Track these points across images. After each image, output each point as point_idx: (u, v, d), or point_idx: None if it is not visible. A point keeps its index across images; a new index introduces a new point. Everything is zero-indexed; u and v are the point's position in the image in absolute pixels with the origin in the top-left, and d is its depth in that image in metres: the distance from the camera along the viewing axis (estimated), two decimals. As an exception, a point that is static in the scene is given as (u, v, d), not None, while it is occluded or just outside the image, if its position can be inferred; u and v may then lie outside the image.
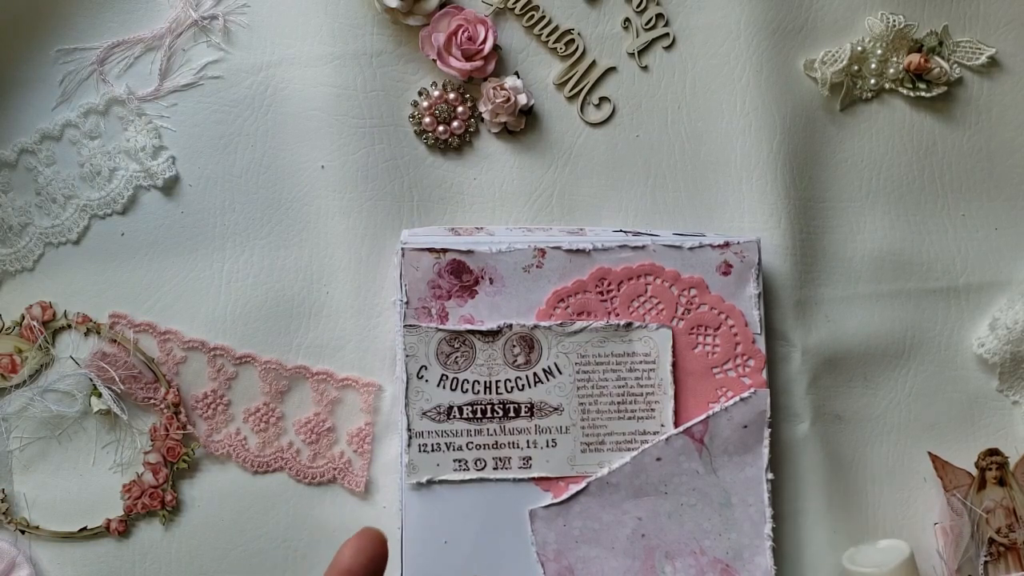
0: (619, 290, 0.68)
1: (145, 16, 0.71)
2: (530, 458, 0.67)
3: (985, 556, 0.70)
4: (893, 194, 0.74)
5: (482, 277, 0.67)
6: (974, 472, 0.72)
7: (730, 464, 0.68)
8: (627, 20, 0.72)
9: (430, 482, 0.66)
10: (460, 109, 0.71)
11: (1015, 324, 0.72)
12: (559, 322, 0.67)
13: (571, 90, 0.72)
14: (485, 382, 0.67)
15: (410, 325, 0.67)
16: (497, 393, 0.67)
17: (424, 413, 0.67)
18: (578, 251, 0.67)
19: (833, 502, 0.72)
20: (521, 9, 0.71)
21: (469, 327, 0.67)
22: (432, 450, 0.67)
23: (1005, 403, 0.74)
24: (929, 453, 0.72)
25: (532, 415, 0.67)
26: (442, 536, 0.66)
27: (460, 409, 0.67)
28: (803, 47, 0.73)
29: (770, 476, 0.68)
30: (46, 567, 0.69)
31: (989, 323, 0.73)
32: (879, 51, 0.73)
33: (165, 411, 0.69)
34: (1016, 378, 0.73)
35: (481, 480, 0.67)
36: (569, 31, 0.72)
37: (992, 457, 0.71)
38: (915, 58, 0.73)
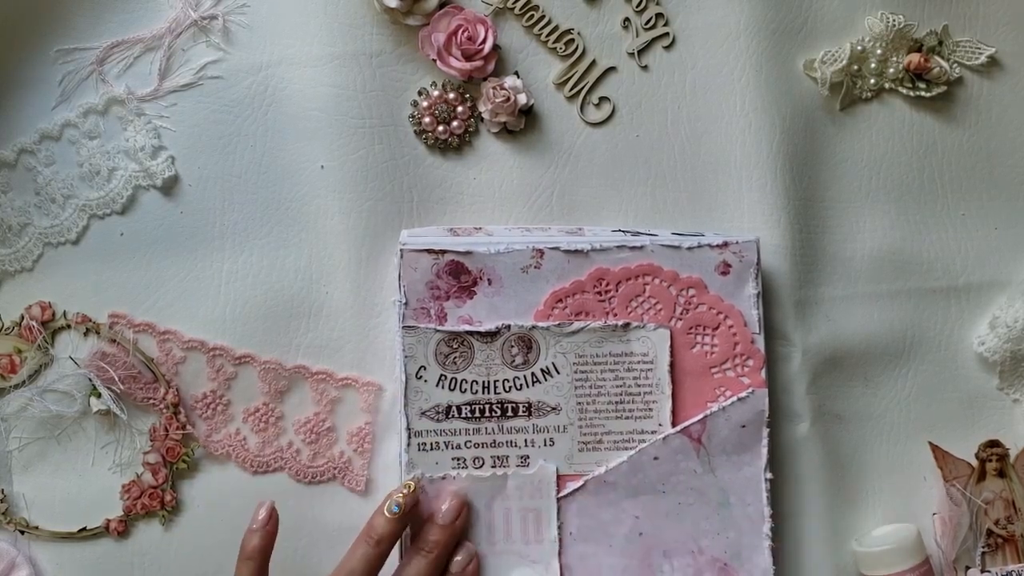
0: (617, 290, 0.68)
1: (145, 16, 0.71)
2: (528, 457, 0.67)
3: (983, 547, 0.70)
4: (893, 194, 0.74)
5: (480, 278, 0.67)
6: (974, 463, 0.72)
7: (728, 464, 0.67)
8: (627, 20, 0.72)
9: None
10: (460, 109, 0.71)
11: (1015, 322, 0.71)
12: (557, 323, 0.67)
13: (571, 90, 0.72)
14: (483, 382, 0.67)
15: (409, 326, 0.67)
16: (495, 393, 0.67)
17: (423, 412, 0.67)
18: (576, 252, 0.67)
19: (833, 502, 0.72)
20: (521, 9, 0.71)
21: (468, 328, 0.67)
22: (431, 449, 0.67)
23: (1005, 401, 0.74)
24: (929, 443, 0.72)
25: (530, 414, 0.67)
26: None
27: (459, 408, 0.67)
28: (803, 47, 0.73)
29: (769, 476, 0.68)
30: (45, 567, 0.69)
31: (989, 322, 0.73)
32: (879, 51, 0.73)
33: (165, 411, 0.69)
34: (1016, 376, 0.73)
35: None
36: (569, 31, 0.72)
37: (992, 448, 0.71)
38: (915, 58, 0.73)
